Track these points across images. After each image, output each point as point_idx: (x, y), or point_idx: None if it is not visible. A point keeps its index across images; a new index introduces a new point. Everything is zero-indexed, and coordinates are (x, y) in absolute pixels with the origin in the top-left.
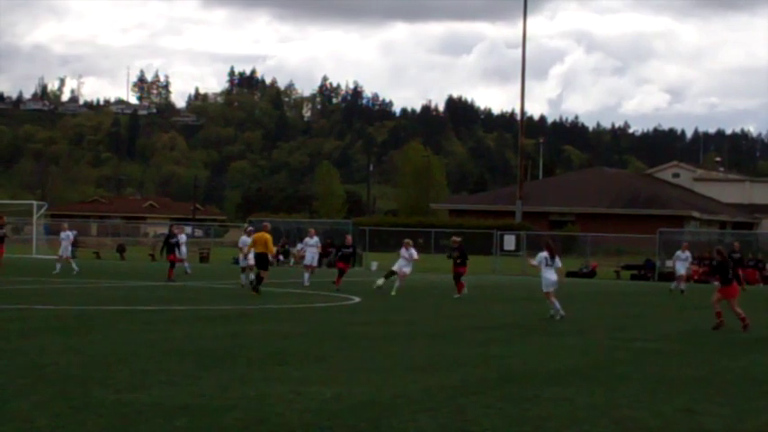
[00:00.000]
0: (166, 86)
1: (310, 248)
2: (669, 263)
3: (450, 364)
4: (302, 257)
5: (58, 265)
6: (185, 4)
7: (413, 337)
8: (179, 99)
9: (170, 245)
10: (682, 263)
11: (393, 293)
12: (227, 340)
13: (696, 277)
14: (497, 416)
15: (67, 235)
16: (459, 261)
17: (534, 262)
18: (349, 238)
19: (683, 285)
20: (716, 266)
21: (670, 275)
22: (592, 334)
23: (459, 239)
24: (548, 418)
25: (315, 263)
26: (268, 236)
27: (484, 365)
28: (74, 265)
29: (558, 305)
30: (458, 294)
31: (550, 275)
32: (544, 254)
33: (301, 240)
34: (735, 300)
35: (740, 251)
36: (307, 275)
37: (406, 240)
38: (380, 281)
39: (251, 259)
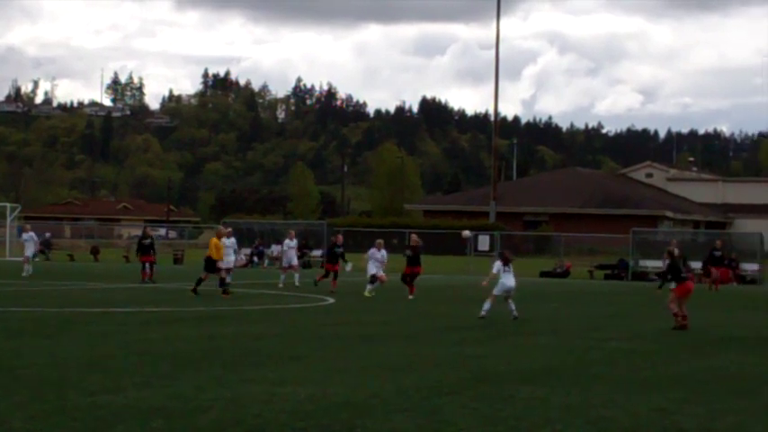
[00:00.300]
0: (140, 88)
1: (290, 250)
2: (643, 262)
3: (425, 365)
4: (277, 259)
5: (30, 268)
6: (158, 6)
7: (388, 337)
8: (153, 101)
9: (143, 246)
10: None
11: (367, 294)
12: (203, 342)
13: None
14: (472, 416)
15: (30, 236)
16: (412, 261)
17: (494, 271)
18: (340, 237)
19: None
20: (668, 267)
21: (643, 275)
22: (566, 334)
23: (417, 238)
24: (522, 418)
25: (295, 262)
26: (213, 240)
27: (459, 366)
28: (29, 266)
29: (487, 306)
30: (411, 296)
31: (507, 281)
32: (499, 262)
33: (276, 242)
34: (685, 299)
35: (722, 249)
36: (283, 277)
37: (379, 241)
38: (369, 287)
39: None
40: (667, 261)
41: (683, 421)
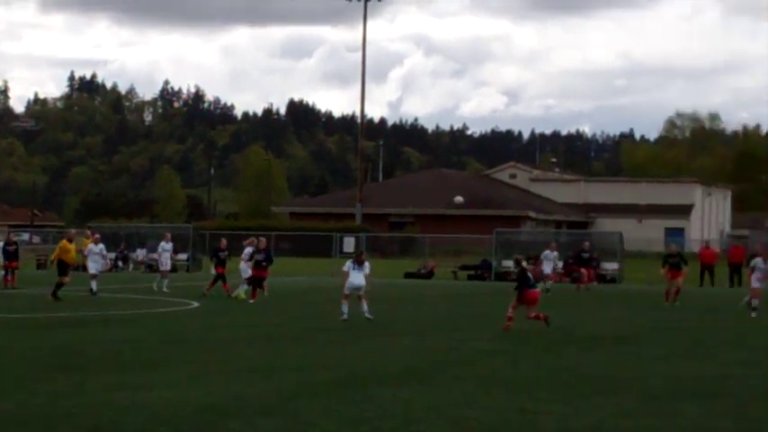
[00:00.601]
0: (5, 91)
1: (165, 253)
2: (506, 263)
3: (290, 367)
4: (141, 262)
5: None
6: (23, 9)
7: (253, 340)
8: (18, 104)
9: (8, 252)
10: (549, 262)
11: (242, 296)
12: (65, 347)
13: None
14: (336, 417)
15: None
16: (264, 264)
17: (344, 269)
18: (224, 241)
19: (548, 284)
20: (516, 275)
21: (506, 275)
22: (429, 335)
23: (264, 240)
24: (385, 419)
25: (168, 267)
26: (63, 242)
27: (323, 367)
28: None
29: (345, 308)
30: (252, 300)
31: (355, 279)
32: (350, 261)
33: (141, 245)
34: (533, 307)
35: (590, 250)
36: (165, 281)
37: (251, 239)
38: (245, 287)
39: (90, 267)
40: (517, 269)
41: (542, 420)
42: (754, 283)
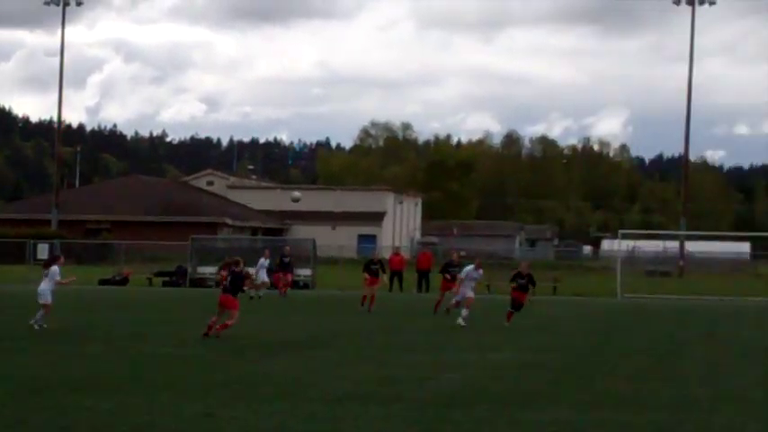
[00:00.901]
0: None
1: None
2: (201, 269)
3: None
4: None
5: None
6: None
7: None
8: None
9: None
10: (263, 270)
11: None
12: None
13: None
14: (21, 428)
15: None
16: None
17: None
18: None
19: (261, 292)
20: (230, 279)
21: (201, 281)
22: (118, 341)
23: None
24: (68, 428)
25: None
26: None
27: (4, 377)
28: None
29: (39, 315)
30: None
31: (39, 286)
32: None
33: None
34: (233, 312)
35: (290, 255)
36: None
37: None
38: None
39: None
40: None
41: (226, 425)
42: (468, 293)
